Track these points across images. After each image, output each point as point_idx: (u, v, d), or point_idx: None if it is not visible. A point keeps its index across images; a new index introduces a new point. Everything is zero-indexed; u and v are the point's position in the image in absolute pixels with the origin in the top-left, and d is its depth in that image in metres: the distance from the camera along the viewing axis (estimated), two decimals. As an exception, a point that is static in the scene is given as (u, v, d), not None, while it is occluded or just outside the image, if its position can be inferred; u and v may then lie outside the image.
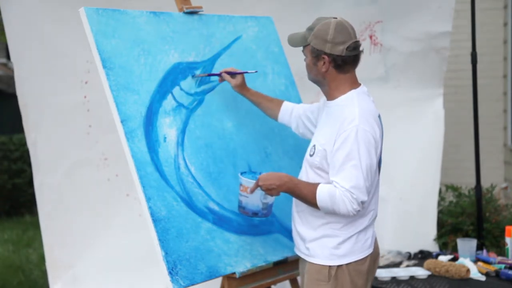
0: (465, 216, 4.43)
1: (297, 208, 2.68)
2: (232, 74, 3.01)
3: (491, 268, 3.59)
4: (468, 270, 3.52)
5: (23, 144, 8.89)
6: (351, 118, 2.48)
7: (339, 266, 2.56)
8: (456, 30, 5.21)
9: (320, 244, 2.59)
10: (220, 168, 2.96)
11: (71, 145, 4.11)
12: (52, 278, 4.17)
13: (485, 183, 4.63)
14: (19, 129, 4.93)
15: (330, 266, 2.56)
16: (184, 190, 2.78)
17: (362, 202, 2.47)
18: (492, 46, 6.14)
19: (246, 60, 3.26)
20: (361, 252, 2.59)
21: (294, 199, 2.68)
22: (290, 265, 3.05)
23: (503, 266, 3.61)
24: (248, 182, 2.68)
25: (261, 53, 3.34)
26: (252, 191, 2.67)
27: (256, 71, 3.10)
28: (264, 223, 2.99)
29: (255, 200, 2.70)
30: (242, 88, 3.03)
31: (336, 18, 2.58)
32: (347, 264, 2.56)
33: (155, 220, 2.61)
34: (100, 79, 2.72)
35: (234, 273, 2.77)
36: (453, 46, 5.39)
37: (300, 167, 2.77)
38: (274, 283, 3.01)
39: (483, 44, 5.81)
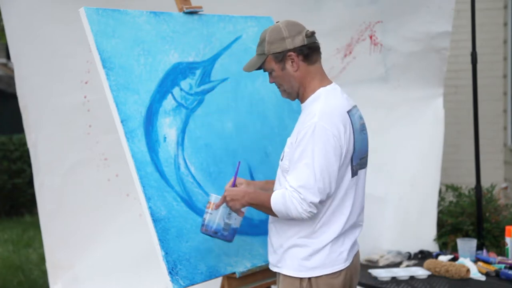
0: (465, 216, 4.42)
1: (271, 219, 2.58)
2: (234, 184, 2.73)
3: (491, 268, 3.59)
4: (468, 270, 3.52)
5: (23, 144, 8.90)
6: (312, 115, 2.39)
7: (309, 279, 2.44)
8: (456, 30, 5.21)
9: (290, 254, 2.48)
10: (220, 168, 2.96)
11: (71, 145, 4.10)
12: (52, 278, 4.17)
13: (485, 183, 4.63)
14: (19, 129, 4.93)
15: (301, 278, 2.45)
16: (184, 190, 2.78)
17: (313, 203, 2.33)
18: (492, 46, 6.15)
19: (246, 60, 3.25)
20: (334, 265, 2.44)
21: None
22: (290, 265, 3.05)
23: (503, 266, 3.61)
24: (216, 198, 2.62)
25: (261, 53, 3.34)
26: (217, 206, 2.58)
27: (239, 162, 2.82)
28: (264, 223, 2.99)
29: (218, 218, 2.60)
30: (247, 184, 2.75)
31: (278, 21, 2.55)
32: (316, 277, 2.43)
33: (155, 220, 2.61)
34: (100, 79, 2.72)
35: (234, 273, 2.77)
36: (453, 46, 5.40)
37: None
38: (274, 283, 3.01)
39: (483, 44, 5.82)
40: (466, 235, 4.35)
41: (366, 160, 2.59)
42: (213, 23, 3.19)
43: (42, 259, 5.68)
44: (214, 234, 2.62)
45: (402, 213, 4.41)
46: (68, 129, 4.08)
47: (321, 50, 2.58)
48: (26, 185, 8.81)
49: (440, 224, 4.52)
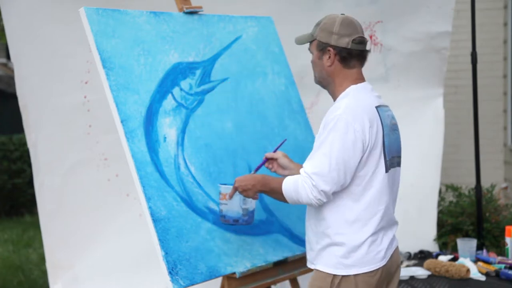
0: (465, 216, 4.42)
1: (307, 216, 2.60)
2: (266, 161, 2.83)
3: (491, 268, 3.58)
4: (468, 270, 3.52)
5: (23, 144, 8.90)
6: (337, 108, 2.42)
7: (344, 276, 2.43)
8: (456, 30, 5.22)
9: (328, 252, 2.47)
10: (220, 168, 2.96)
11: (71, 145, 4.11)
12: (52, 278, 4.17)
13: (485, 183, 4.63)
14: (19, 129, 4.93)
15: (334, 275, 2.44)
16: (184, 190, 2.79)
17: (324, 192, 2.36)
18: (492, 46, 6.15)
19: (246, 60, 3.26)
20: (371, 264, 2.44)
21: (306, 210, 2.61)
22: (290, 265, 3.05)
23: (503, 266, 3.60)
24: (226, 189, 2.68)
25: (261, 53, 3.34)
26: (231, 196, 2.66)
27: (285, 139, 2.99)
28: (264, 223, 2.99)
29: (235, 206, 2.68)
30: (283, 156, 2.84)
31: (344, 14, 2.59)
32: (355, 275, 2.43)
33: (155, 220, 2.61)
34: (100, 79, 2.72)
35: (234, 273, 2.77)
36: (453, 46, 5.40)
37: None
38: (274, 283, 3.01)
39: (483, 44, 5.82)
40: (466, 235, 4.35)
41: (400, 159, 2.62)
42: (213, 23, 3.19)
43: (42, 259, 5.68)
44: (235, 222, 2.70)
45: (402, 213, 4.38)
46: (68, 129, 4.08)
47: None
48: (26, 185, 8.81)
49: (440, 224, 4.52)
